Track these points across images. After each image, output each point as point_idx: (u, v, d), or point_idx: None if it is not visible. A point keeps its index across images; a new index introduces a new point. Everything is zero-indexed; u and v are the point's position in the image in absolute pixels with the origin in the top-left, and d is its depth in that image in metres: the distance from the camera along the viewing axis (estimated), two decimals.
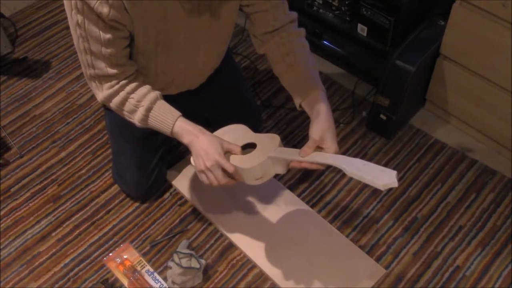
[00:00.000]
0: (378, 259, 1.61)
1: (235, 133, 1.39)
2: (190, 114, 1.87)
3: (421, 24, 1.80)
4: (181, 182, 1.77)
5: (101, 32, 1.23)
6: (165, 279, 1.57)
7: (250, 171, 1.26)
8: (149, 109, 1.34)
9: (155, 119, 1.35)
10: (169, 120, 1.34)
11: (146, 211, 1.74)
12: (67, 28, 2.31)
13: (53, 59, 2.20)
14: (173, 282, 1.54)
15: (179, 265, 1.51)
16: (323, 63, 2.14)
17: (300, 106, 1.37)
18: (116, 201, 1.77)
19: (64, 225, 1.72)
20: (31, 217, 1.74)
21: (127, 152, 1.67)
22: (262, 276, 1.59)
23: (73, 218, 1.73)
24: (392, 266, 1.60)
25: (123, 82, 1.33)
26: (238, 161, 1.28)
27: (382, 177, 1.17)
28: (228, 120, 1.80)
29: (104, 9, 1.19)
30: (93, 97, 2.05)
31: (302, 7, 2.07)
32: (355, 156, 1.85)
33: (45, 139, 1.94)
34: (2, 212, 1.75)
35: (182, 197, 1.76)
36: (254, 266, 1.61)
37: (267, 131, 1.92)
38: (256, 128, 1.88)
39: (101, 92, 1.35)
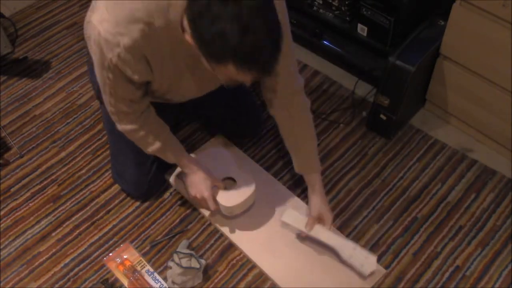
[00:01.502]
0: (378, 259, 1.61)
1: (220, 161, 1.69)
2: (191, 114, 1.88)
3: (421, 24, 1.79)
4: (181, 183, 1.76)
5: (127, 89, 1.35)
6: (165, 279, 1.57)
7: (225, 208, 1.60)
8: (162, 150, 1.53)
9: (164, 156, 1.57)
10: (176, 158, 1.58)
11: (146, 211, 1.74)
12: (67, 28, 2.32)
13: (53, 59, 2.20)
14: (173, 282, 1.54)
15: (179, 265, 1.51)
16: (323, 63, 2.14)
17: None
18: (116, 201, 1.77)
19: (64, 225, 1.72)
20: (31, 217, 1.74)
21: (125, 150, 1.67)
22: (262, 276, 1.59)
23: (73, 218, 1.73)
24: (392, 266, 1.60)
25: (140, 122, 1.45)
26: (219, 193, 1.60)
27: (367, 266, 1.48)
28: (229, 121, 1.81)
29: (135, 77, 1.30)
30: (93, 97, 2.05)
31: (302, 7, 2.07)
32: (355, 156, 1.85)
33: (45, 139, 1.94)
34: (2, 212, 1.75)
35: (182, 197, 1.76)
36: (254, 266, 1.61)
37: (267, 131, 1.92)
38: (256, 129, 1.89)
39: (120, 126, 1.47)
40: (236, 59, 1.06)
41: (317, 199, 1.56)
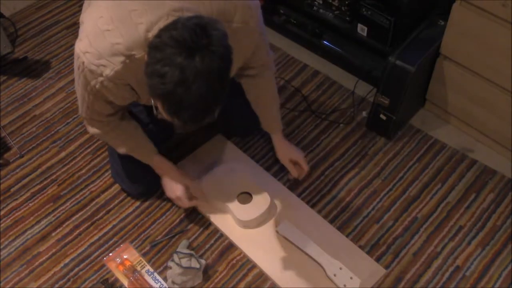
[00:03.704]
0: (378, 259, 1.61)
1: (238, 176, 1.73)
2: None
3: (421, 24, 1.80)
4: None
5: (105, 107, 1.41)
6: (165, 279, 1.57)
7: (240, 222, 1.66)
8: (131, 151, 1.58)
9: (136, 156, 1.60)
10: (147, 159, 1.61)
11: (146, 211, 1.74)
12: (67, 28, 2.32)
13: (53, 59, 2.20)
14: (173, 282, 1.54)
15: (179, 265, 1.51)
16: (323, 63, 2.14)
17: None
18: (116, 201, 1.77)
19: (64, 225, 1.72)
20: (31, 217, 1.74)
21: None
22: (262, 276, 1.59)
23: (73, 218, 1.73)
24: (392, 266, 1.60)
25: (111, 126, 1.51)
26: (237, 207, 1.66)
27: (349, 286, 1.51)
28: (231, 118, 1.80)
29: (117, 101, 1.37)
30: None
31: (302, 7, 2.07)
32: (355, 156, 1.86)
33: (45, 139, 1.94)
34: (2, 212, 1.75)
35: None
36: (254, 266, 1.61)
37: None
38: (257, 126, 1.88)
39: (90, 129, 1.53)
40: (164, 102, 1.13)
41: (281, 147, 1.70)
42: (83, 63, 1.27)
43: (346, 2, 1.93)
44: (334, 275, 1.53)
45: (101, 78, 1.27)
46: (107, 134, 1.53)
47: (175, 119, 1.17)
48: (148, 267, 1.60)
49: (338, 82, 2.08)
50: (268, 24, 2.20)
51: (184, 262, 1.53)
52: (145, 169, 1.69)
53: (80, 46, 1.27)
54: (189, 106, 1.11)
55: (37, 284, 1.60)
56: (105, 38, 1.23)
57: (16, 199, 1.79)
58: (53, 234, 1.70)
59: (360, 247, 1.62)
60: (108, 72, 1.25)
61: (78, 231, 1.70)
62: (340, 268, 1.54)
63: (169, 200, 1.76)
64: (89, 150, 1.91)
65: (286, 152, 1.70)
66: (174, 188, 1.61)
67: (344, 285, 1.51)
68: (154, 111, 1.26)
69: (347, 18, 1.97)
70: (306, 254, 1.59)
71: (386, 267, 1.59)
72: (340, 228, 1.68)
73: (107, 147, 1.85)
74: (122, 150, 1.58)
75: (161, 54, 1.08)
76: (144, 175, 1.70)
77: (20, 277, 1.61)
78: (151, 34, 1.19)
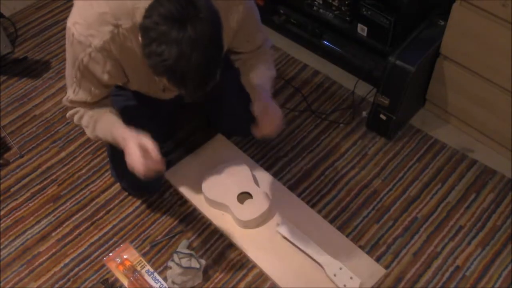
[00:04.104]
0: (378, 259, 1.61)
1: (238, 176, 1.71)
2: (190, 108, 1.88)
3: (421, 24, 1.80)
4: (181, 182, 1.77)
5: (92, 87, 1.41)
6: (165, 279, 1.57)
7: (239, 222, 1.65)
8: (97, 120, 1.47)
9: (99, 129, 1.47)
10: (111, 129, 1.45)
11: (146, 211, 1.74)
12: None
13: (53, 59, 2.20)
14: (173, 282, 1.54)
15: (179, 265, 1.51)
16: (323, 63, 2.14)
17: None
18: (116, 201, 1.77)
19: (64, 225, 1.72)
20: (31, 217, 1.74)
21: None
22: (262, 276, 1.59)
23: (73, 218, 1.73)
24: (392, 266, 1.60)
25: (91, 111, 1.49)
26: (237, 207, 1.65)
27: (349, 286, 1.51)
28: (231, 118, 1.79)
29: (105, 77, 1.36)
30: None
31: (302, 7, 2.07)
32: (355, 156, 1.86)
33: (45, 139, 1.94)
34: (2, 212, 1.75)
35: (182, 197, 1.76)
36: (254, 266, 1.61)
37: None
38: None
39: (69, 111, 1.51)
40: (169, 78, 1.17)
41: (260, 98, 1.47)
42: (72, 34, 1.31)
43: (346, 2, 1.93)
44: (334, 275, 1.53)
45: (89, 49, 1.30)
46: (77, 112, 1.48)
47: (183, 90, 1.21)
48: (148, 267, 1.60)
49: (338, 82, 2.08)
50: (268, 24, 2.21)
51: (184, 262, 1.53)
52: None
53: (70, 19, 1.32)
54: (193, 76, 1.15)
55: (37, 284, 1.60)
56: (93, 8, 1.27)
57: (16, 199, 1.79)
58: (53, 234, 1.70)
59: (360, 247, 1.62)
60: (96, 42, 1.28)
61: (78, 231, 1.70)
62: (340, 268, 1.54)
63: (169, 200, 1.76)
64: (89, 150, 1.91)
65: (264, 102, 1.47)
66: (131, 151, 1.37)
67: (344, 285, 1.51)
68: (161, 88, 1.31)
69: (347, 18, 1.97)
70: (306, 254, 1.59)
71: (386, 267, 1.59)
72: (340, 228, 1.68)
73: (107, 147, 1.85)
74: (90, 129, 1.48)
75: (154, 33, 1.12)
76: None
77: (20, 277, 1.61)
78: (139, 5, 1.21)
